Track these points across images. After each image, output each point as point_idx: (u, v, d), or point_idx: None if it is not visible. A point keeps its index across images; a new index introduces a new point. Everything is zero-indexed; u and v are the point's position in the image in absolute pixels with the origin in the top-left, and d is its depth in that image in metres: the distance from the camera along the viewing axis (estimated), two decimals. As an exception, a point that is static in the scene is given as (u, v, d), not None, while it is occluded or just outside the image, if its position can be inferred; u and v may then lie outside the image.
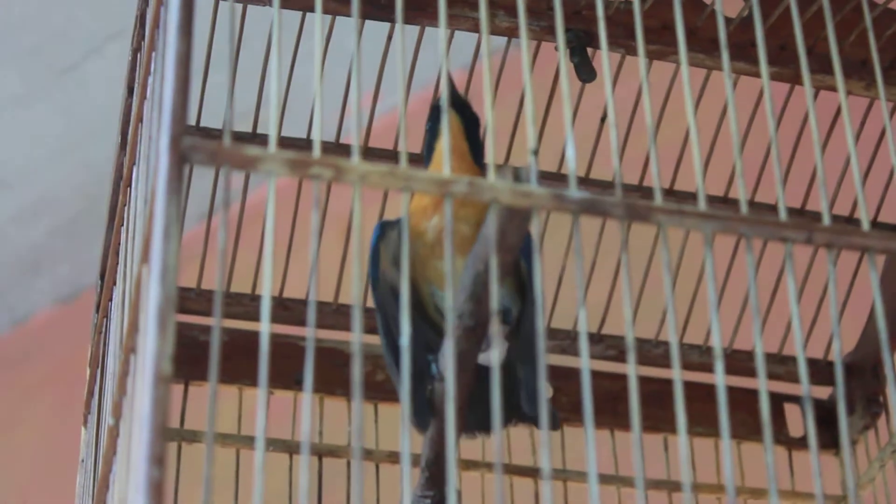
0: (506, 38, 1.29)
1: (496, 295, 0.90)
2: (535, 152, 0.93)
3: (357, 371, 0.86)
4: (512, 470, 1.37)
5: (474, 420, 1.17)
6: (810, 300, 1.40)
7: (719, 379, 0.92)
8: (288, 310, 1.39)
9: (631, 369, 0.91)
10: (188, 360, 1.32)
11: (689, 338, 1.44)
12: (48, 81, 2.33)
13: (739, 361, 1.42)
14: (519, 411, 1.15)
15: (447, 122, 1.09)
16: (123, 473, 1.01)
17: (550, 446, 0.88)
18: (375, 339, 1.23)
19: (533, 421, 1.17)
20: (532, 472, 1.36)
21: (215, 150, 0.89)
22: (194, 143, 0.88)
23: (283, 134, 1.31)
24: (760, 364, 0.94)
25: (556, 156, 1.37)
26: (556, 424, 1.21)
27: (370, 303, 1.36)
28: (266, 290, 0.87)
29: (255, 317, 1.38)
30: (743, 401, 1.40)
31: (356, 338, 0.87)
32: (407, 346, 0.88)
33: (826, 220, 0.98)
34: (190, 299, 1.38)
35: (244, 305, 1.38)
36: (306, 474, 0.86)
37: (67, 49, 2.30)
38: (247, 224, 1.39)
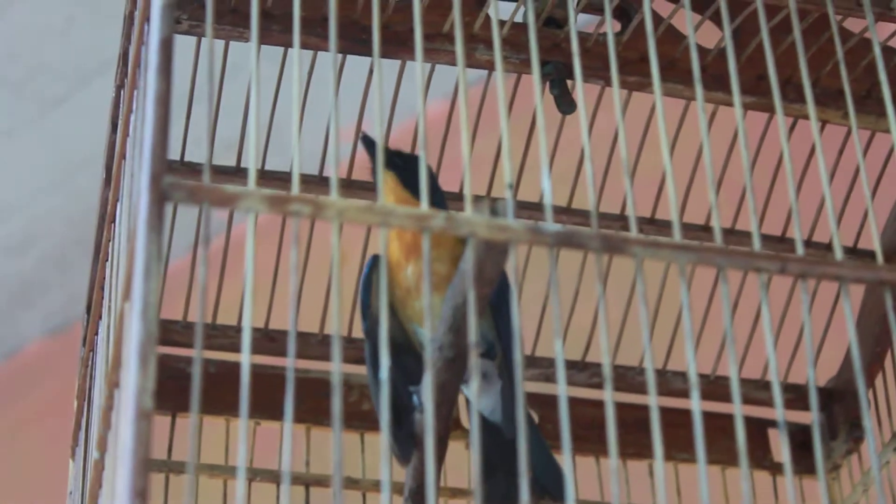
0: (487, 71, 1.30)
1: (475, 327, 0.90)
2: (512, 186, 0.95)
3: (336, 404, 0.86)
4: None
5: (495, 493, 1.16)
6: (793, 326, 1.41)
7: (695, 405, 0.93)
8: (274, 341, 1.39)
9: (608, 395, 0.92)
10: (175, 391, 1.32)
11: (673, 364, 1.45)
12: (37, 114, 2.34)
13: (723, 387, 1.43)
14: (534, 483, 1.14)
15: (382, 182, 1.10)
16: (108, 507, 1.02)
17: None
18: (360, 369, 1.24)
19: (547, 491, 1.17)
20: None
21: (195, 189, 0.90)
22: (174, 181, 0.89)
23: (268, 165, 1.31)
24: (735, 390, 0.95)
25: (539, 186, 1.38)
26: (562, 495, 1.18)
27: (356, 333, 1.37)
28: (246, 331, 0.88)
29: (240, 348, 1.38)
30: (727, 427, 1.39)
31: (336, 370, 0.88)
32: (386, 379, 0.89)
33: (800, 251, 0.99)
34: (176, 331, 1.38)
35: (230, 337, 1.39)
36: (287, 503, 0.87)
37: (55, 82, 2.31)
38: (232, 255, 1.39)
